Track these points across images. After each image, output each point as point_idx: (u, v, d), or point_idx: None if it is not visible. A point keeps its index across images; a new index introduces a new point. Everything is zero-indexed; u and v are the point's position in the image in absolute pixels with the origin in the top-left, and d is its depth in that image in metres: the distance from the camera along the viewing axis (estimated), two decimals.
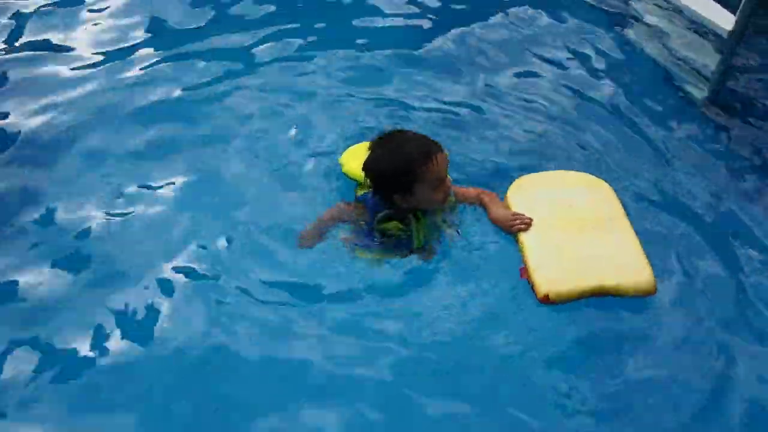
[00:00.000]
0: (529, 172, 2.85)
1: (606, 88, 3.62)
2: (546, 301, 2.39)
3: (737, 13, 3.50)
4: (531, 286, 2.45)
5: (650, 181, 3.02)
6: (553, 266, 2.47)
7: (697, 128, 3.40)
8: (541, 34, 3.98)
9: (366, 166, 2.50)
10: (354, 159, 2.74)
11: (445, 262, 2.54)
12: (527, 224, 2.57)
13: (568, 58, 3.82)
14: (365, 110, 3.35)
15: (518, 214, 2.61)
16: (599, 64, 3.79)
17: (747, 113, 3.52)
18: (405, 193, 2.46)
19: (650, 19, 4.13)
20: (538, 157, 3.11)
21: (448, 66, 3.73)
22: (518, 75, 3.70)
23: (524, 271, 2.50)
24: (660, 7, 4.14)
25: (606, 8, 4.20)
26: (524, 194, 2.74)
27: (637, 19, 4.12)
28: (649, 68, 3.79)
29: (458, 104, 3.44)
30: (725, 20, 3.58)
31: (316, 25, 3.97)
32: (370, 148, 2.50)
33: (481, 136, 3.24)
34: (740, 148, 3.26)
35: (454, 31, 3.94)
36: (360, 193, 2.63)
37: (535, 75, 3.71)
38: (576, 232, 2.58)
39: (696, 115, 3.50)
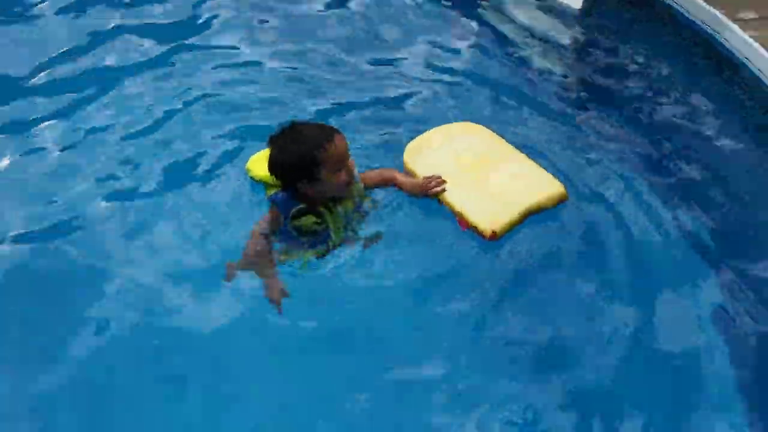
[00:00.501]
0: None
1: (466, 66, 3.79)
2: (494, 237, 2.57)
3: None
4: (474, 232, 2.62)
5: (516, 134, 3.25)
6: (484, 207, 2.65)
7: (555, 99, 3.66)
8: (405, 23, 4.17)
9: (270, 163, 2.49)
10: (259, 163, 2.76)
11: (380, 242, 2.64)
12: (442, 183, 2.73)
13: (431, 42, 4.02)
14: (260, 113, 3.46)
15: (430, 177, 2.74)
16: (461, 45, 3.97)
17: (601, 86, 3.84)
18: (311, 180, 2.45)
19: (509, 6, 4.41)
20: (415, 123, 3.28)
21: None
22: (392, 56, 3.89)
23: (463, 223, 2.66)
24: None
25: None
26: (420, 157, 2.89)
27: (496, 7, 4.39)
28: (509, 48, 4.04)
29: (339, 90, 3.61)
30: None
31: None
32: (269, 145, 2.53)
33: (363, 117, 3.40)
34: (592, 119, 3.58)
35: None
36: (269, 193, 2.66)
37: (404, 57, 3.88)
38: (482, 172, 2.78)
39: (554, 89, 3.77)
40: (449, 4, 4.25)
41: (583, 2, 3.91)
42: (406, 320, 2.50)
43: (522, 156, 2.85)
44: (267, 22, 4.08)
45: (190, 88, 3.49)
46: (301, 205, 2.49)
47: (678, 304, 2.58)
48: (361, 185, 2.65)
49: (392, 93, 3.55)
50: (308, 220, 2.50)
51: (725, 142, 3.30)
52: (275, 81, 3.62)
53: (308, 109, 3.40)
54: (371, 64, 3.79)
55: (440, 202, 2.71)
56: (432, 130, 3.00)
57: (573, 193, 2.83)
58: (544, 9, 4.13)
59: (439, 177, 2.72)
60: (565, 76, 3.73)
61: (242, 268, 2.48)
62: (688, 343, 2.47)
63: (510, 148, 2.88)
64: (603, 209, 2.87)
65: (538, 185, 2.73)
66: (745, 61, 3.54)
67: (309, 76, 3.66)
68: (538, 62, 3.83)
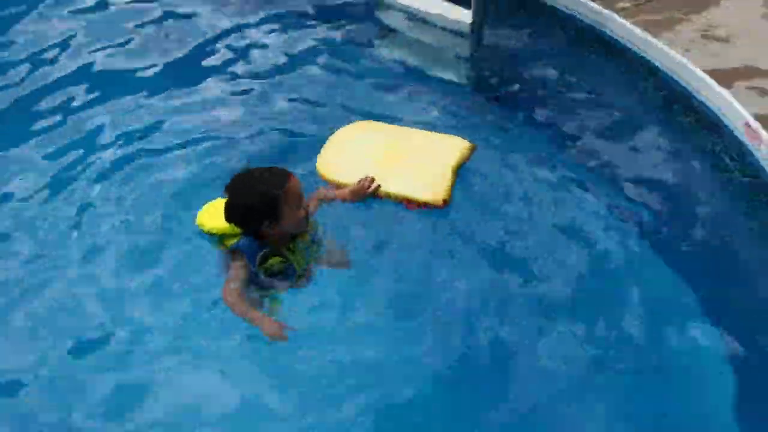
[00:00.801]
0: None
1: (364, 87, 3.92)
2: (446, 204, 2.91)
3: (472, 7, 4.12)
4: (424, 208, 2.90)
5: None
6: (423, 184, 2.95)
7: (461, 107, 3.85)
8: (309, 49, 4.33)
9: (230, 210, 2.56)
10: (209, 216, 2.82)
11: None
12: (373, 180, 2.93)
13: (329, 67, 4.16)
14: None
15: (361, 180, 2.93)
16: (361, 68, 4.12)
17: (499, 86, 4.05)
18: (273, 220, 2.54)
19: (406, 30, 4.59)
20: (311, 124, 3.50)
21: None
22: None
23: (411, 205, 2.91)
24: (410, 19, 4.61)
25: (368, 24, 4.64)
26: (336, 167, 3.05)
27: (394, 31, 4.57)
28: (415, 72, 4.25)
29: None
30: (465, 15, 4.19)
31: None
32: (227, 193, 2.59)
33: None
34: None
35: None
36: (229, 244, 2.71)
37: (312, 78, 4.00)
38: (397, 157, 3.06)
39: (460, 99, 3.97)
40: (349, 34, 4.43)
41: (473, 15, 4.14)
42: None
43: (418, 130, 3.24)
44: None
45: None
46: (266, 249, 2.58)
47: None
48: (313, 218, 2.76)
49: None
50: (275, 260, 2.60)
51: (625, 128, 3.57)
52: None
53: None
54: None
55: (380, 197, 2.93)
56: (330, 141, 3.20)
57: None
58: (437, 26, 4.35)
59: (369, 176, 2.93)
60: (460, 83, 3.94)
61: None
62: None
63: (405, 128, 3.24)
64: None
65: (450, 146, 3.11)
66: (631, 46, 3.83)
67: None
68: (434, 71, 4.04)
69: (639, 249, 2.89)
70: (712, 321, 2.62)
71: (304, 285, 2.67)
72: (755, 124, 3.12)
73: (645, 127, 3.55)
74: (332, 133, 3.25)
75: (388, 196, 2.94)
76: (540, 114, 3.65)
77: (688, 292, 2.74)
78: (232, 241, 2.68)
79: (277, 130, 3.52)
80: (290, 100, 3.79)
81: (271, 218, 2.54)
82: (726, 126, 3.30)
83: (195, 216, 2.85)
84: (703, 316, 2.65)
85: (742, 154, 3.21)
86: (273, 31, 4.42)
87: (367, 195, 2.93)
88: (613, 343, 2.57)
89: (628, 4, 3.97)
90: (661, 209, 3.10)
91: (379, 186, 2.94)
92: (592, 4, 3.99)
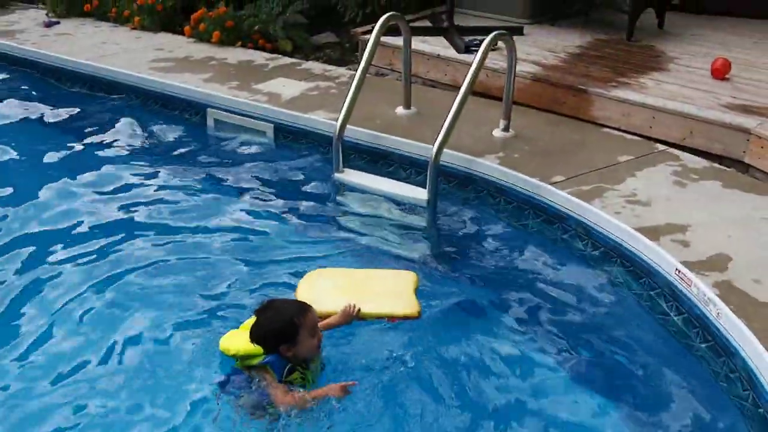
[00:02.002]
0: None
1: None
2: (420, 314, 3.57)
3: (427, 187, 4.73)
4: (404, 320, 3.56)
5: None
6: (397, 302, 3.60)
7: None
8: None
9: (257, 332, 3.10)
10: (232, 340, 3.29)
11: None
12: (354, 305, 3.46)
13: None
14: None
15: (346, 306, 3.45)
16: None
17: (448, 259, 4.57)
18: (291, 344, 3.08)
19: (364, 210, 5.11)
20: None
21: None
22: None
23: (391, 319, 3.52)
24: (369, 201, 5.14)
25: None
26: (318, 303, 3.41)
27: (347, 212, 5.10)
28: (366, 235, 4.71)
29: None
30: (421, 193, 4.79)
31: None
32: (257, 316, 3.14)
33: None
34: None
35: None
36: (256, 362, 3.15)
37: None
38: (364, 286, 3.71)
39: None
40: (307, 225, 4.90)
41: (428, 195, 4.74)
42: None
43: (370, 269, 4.01)
44: None
45: None
46: (291, 365, 3.09)
47: None
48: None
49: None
50: (296, 375, 3.11)
51: (566, 284, 4.15)
52: None
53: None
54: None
55: (363, 318, 3.51)
56: (301, 284, 3.78)
57: None
58: (396, 204, 4.91)
59: (351, 303, 3.48)
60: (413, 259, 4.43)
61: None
62: None
63: (358, 270, 4.00)
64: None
65: (402, 275, 3.85)
66: (567, 212, 4.46)
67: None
68: (394, 248, 4.54)
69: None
70: None
71: None
72: (683, 269, 3.70)
73: (587, 281, 4.13)
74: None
75: (370, 316, 3.54)
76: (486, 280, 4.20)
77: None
78: (255, 361, 3.15)
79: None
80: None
81: (289, 342, 3.08)
82: (659, 272, 3.86)
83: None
84: None
85: (673, 293, 3.77)
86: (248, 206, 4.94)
87: (353, 317, 3.47)
88: None
89: (561, 178, 4.64)
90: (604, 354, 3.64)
91: (359, 309, 3.47)
92: (532, 179, 4.64)
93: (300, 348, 3.11)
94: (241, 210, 4.89)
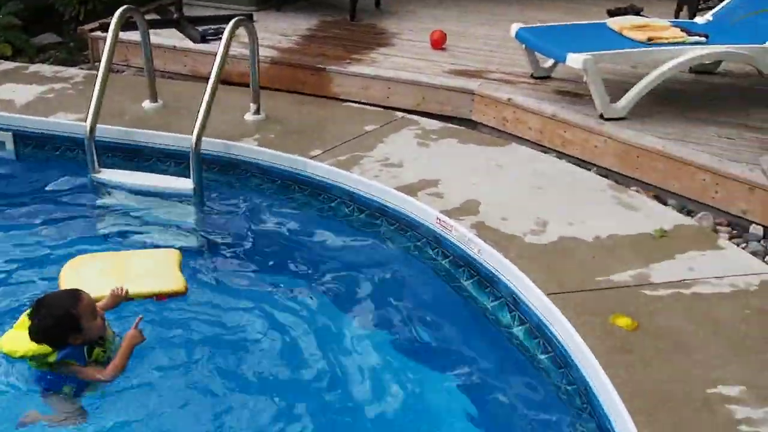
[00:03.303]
0: None
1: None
2: (186, 290, 3.71)
3: (191, 175, 4.78)
4: (170, 297, 3.69)
5: None
6: (162, 280, 3.73)
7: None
8: None
9: (38, 332, 3.10)
10: (12, 341, 3.21)
11: None
12: (122, 287, 3.53)
13: None
14: None
15: (113, 289, 3.50)
16: None
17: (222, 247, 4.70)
18: (76, 333, 3.13)
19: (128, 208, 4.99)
20: None
21: None
22: None
23: (161, 297, 3.68)
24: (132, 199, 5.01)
25: None
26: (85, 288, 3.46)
27: (110, 212, 4.96)
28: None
29: None
30: (186, 183, 4.83)
31: None
32: (30, 318, 3.13)
33: None
34: None
35: None
36: (52, 359, 3.15)
37: None
38: (127, 268, 3.82)
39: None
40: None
41: (193, 183, 4.79)
42: None
43: (131, 251, 4.15)
44: None
45: None
46: (86, 347, 3.19)
47: None
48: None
49: None
50: (97, 351, 3.25)
51: (344, 245, 4.48)
52: None
53: None
54: None
55: (132, 298, 3.60)
56: (63, 272, 3.79)
57: None
58: (161, 197, 4.90)
59: (118, 287, 3.53)
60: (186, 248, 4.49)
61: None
62: None
63: (117, 252, 4.14)
64: None
65: (164, 253, 4.01)
66: (331, 182, 4.75)
67: None
68: (164, 241, 4.56)
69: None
70: None
71: None
72: (443, 217, 4.15)
73: (359, 242, 4.47)
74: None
75: (139, 295, 3.63)
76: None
77: None
78: (51, 358, 3.17)
79: None
80: None
81: (75, 332, 3.13)
82: (422, 224, 4.29)
83: None
84: None
85: (437, 240, 4.22)
86: None
87: (122, 299, 3.54)
88: None
89: (319, 151, 4.92)
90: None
91: (127, 290, 3.53)
92: (292, 155, 4.87)
93: (87, 332, 3.17)
94: None
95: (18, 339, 3.19)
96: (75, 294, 3.23)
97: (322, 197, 4.79)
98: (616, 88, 5.19)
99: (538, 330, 3.54)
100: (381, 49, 6.47)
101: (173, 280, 3.74)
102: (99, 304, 3.41)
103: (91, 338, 3.20)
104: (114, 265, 3.87)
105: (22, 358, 3.19)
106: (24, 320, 3.22)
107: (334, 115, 5.60)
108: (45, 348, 3.13)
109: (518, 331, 3.68)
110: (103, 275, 3.71)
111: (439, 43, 6.46)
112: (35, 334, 3.11)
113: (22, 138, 5.40)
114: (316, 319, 3.84)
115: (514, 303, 3.72)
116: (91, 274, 3.73)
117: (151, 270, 3.81)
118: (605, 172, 4.91)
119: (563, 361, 3.36)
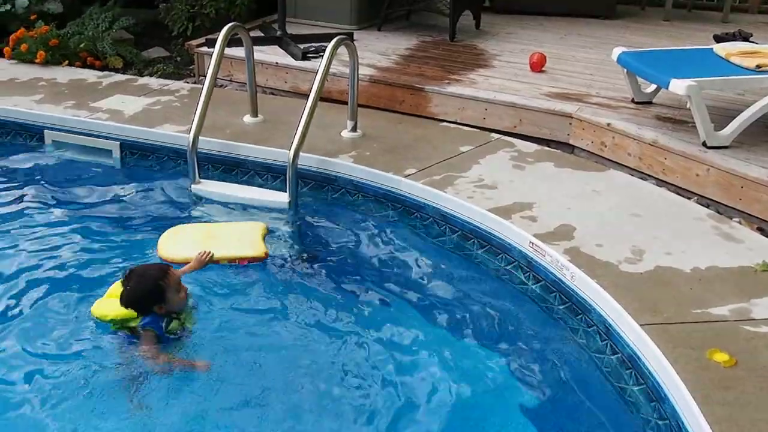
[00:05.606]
0: None
1: None
2: (266, 256, 4.26)
3: (288, 189, 4.88)
4: (251, 262, 4.21)
5: None
6: (245, 246, 4.29)
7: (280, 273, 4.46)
8: None
9: (128, 298, 3.46)
10: (103, 306, 3.63)
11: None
12: (207, 252, 4.08)
13: None
14: None
15: (200, 253, 4.06)
16: None
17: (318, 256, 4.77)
18: (161, 302, 3.48)
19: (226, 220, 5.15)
20: None
21: None
22: None
23: (243, 262, 4.19)
24: (230, 211, 5.20)
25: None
26: (175, 251, 4.22)
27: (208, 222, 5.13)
28: None
29: None
30: (282, 196, 4.93)
31: None
32: (123, 285, 3.49)
33: None
34: None
35: None
36: (135, 324, 3.53)
37: None
38: (215, 235, 4.42)
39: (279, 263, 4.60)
40: None
41: (290, 197, 4.89)
42: None
43: (222, 223, 4.70)
44: None
45: None
46: (167, 319, 3.51)
47: None
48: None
49: None
50: (175, 324, 3.55)
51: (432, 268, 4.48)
52: None
53: None
54: None
55: (217, 262, 4.13)
56: (162, 237, 4.40)
57: None
58: (256, 207, 5.01)
59: (204, 250, 4.08)
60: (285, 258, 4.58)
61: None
62: None
63: (210, 224, 4.72)
64: None
65: (252, 224, 4.57)
66: (424, 202, 4.77)
67: None
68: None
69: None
70: None
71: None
72: (536, 241, 4.10)
73: (447, 264, 4.46)
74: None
75: (222, 260, 4.16)
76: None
77: None
78: (134, 323, 3.53)
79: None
80: None
81: (160, 302, 3.48)
82: (514, 247, 4.25)
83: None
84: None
85: (529, 264, 4.17)
86: None
87: (207, 262, 4.06)
88: None
89: (414, 170, 4.94)
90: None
91: (212, 254, 4.08)
92: (387, 173, 4.91)
93: (170, 304, 3.51)
94: (96, 227, 4.78)
95: (108, 304, 3.60)
96: (164, 268, 3.61)
97: (414, 216, 4.82)
98: (721, 116, 5.04)
99: (630, 361, 3.45)
100: (479, 70, 6.48)
101: (255, 247, 4.28)
102: (184, 267, 3.93)
103: (172, 310, 3.53)
104: (205, 232, 4.44)
105: (111, 321, 3.57)
106: (113, 290, 3.63)
107: (430, 134, 5.63)
108: (131, 313, 3.49)
109: (609, 359, 3.60)
110: (194, 241, 4.29)
111: (538, 65, 6.43)
112: (124, 299, 3.46)
113: (128, 147, 5.64)
114: (402, 336, 3.85)
115: (606, 332, 3.64)
116: (184, 239, 4.36)
117: (237, 238, 4.36)
118: (706, 202, 4.76)
119: (656, 395, 3.26)
